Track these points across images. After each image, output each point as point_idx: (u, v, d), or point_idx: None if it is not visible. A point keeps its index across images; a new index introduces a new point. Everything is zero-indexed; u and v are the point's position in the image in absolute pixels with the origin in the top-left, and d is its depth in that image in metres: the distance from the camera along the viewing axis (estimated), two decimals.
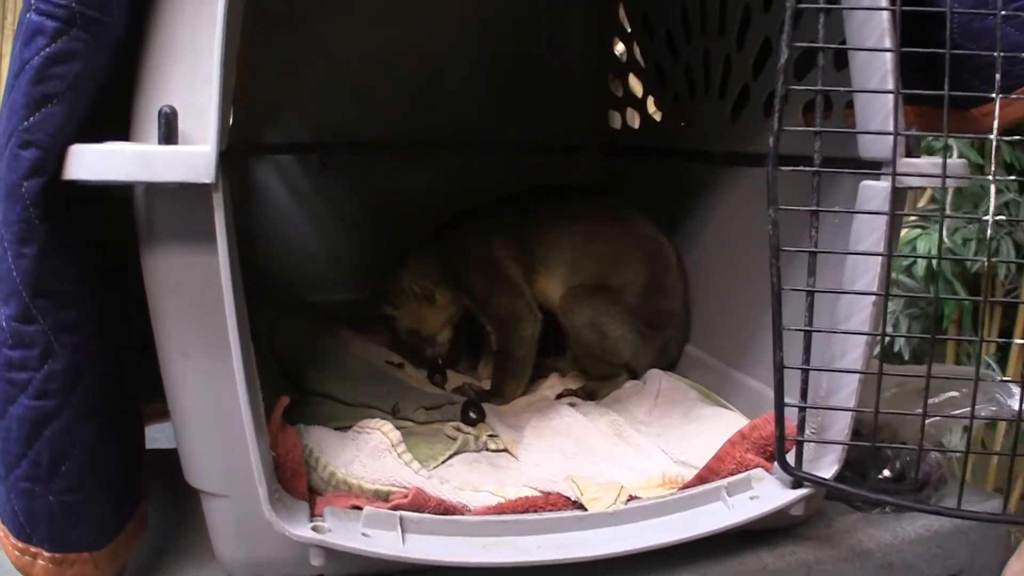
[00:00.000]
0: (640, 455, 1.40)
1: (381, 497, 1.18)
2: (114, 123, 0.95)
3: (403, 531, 1.09)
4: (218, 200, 0.93)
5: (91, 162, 0.89)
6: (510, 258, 1.79)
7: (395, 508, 1.11)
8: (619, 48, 2.22)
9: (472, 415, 1.56)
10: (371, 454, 1.27)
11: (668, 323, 1.79)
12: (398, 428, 1.36)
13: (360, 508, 1.11)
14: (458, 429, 1.51)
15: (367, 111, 2.22)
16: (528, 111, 2.32)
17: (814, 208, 1.08)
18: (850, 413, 1.13)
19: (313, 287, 2.23)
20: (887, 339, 1.14)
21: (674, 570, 1.17)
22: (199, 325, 1.00)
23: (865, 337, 1.11)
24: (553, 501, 1.20)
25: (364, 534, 1.07)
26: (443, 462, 1.38)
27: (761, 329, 1.51)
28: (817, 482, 1.15)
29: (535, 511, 1.18)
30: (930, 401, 1.09)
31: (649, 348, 1.76)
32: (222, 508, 1.10)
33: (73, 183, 0.90)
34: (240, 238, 1.03)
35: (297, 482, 1.13)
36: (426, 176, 2.26)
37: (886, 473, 1.31)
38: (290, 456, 1.13)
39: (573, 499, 1.21)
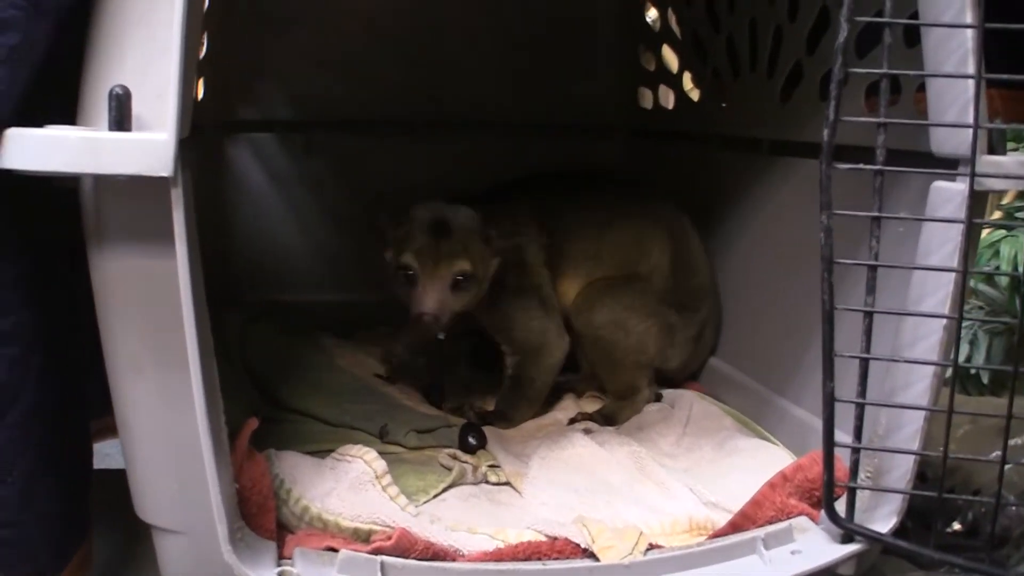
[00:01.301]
0: (664, 494, 1.38)
1: (361, 537, 1.17)
2: (60, 105, 0.93)
3: None
4: (177, 196, 0.92)
5: (31, 149, 0.88)
6: (542, 263, 1.77)
7: (376, 552, 1.09)
8: (651, 15, 2.20)
9: (471, 441, 1.54)
10: (351, 486, 1.25)
11: (701, 302, 1.82)
12: (385, 454, 1.35)
13: (335, 550, 1.10)
14: (454, 457, 1.49)
15: (360, 85, 2.20)
16: (546, 87, 2.30)
17: (875, 214, 1.05)
18: (913, 456, 1.11)
19: (294, 287, 2.22)
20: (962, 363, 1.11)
21: None
22: (154, 338, 0.99)
23: (933, 367, 1.08)
24: (560, 548, 1.18)
25: None
26: (435, 496, 1.36)
27: (811, 349, 1.49)
28: (871, 536, 1.13)
29: (539, 559, 1.16)
30: (1013, 442, 1.06)
31: (681, 337, 1.78)
32: (176, 546, 1.08)
33: (10, 173, 0.89)
34: (210, 228, 1.02)
35: (264, 518, 1.12)
36: (427, 161, 2.25)
37: (956, 526, 1.28)
38: (256, 488, 1.12)
39: (583, 546, 1.18)
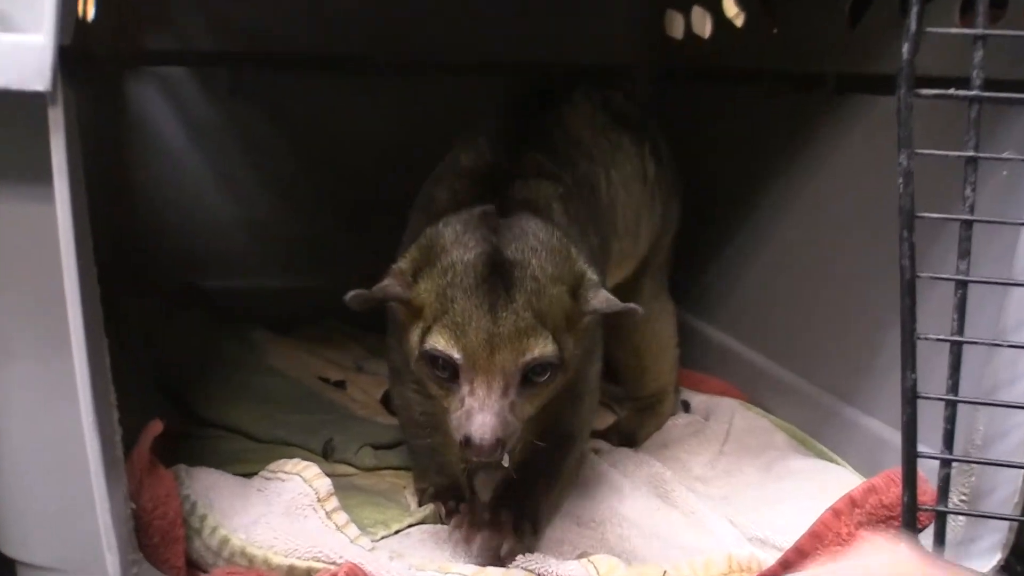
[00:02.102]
0: (695, 527, 1.38)
1: None
2: None
3: None
4: (57, 118, 0.90)
5: None
6: None
7: None
8: None
9: None
10: (286, 512, 1.24)
11: None
12: (332, 478, 1.32)
13: None
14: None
15: (302, 9, 2.17)
16: (546, 16, 2.28)
17: (971, 154, 1.03)
18: (1022, 472, 1.09)
19: (218, 268, 2.20)
20: None
21: None
22: (27, 310, 0.97)
23: None
24: None
25: None
26: (397, 532, 1.35)
27: (888, 340, 1.47)
28: None
29: None
30: None
31: None
32: None
33: None
34: (108, 190, 1.00)
35: (169, 550, 1.11)
36: (392, 108, 2.22)
37: None
38: (160, 511, 1.10)
39: None
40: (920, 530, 1.12)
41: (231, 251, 2.22)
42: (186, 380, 1.71)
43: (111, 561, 0.98)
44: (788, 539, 1.27)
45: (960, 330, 1.06)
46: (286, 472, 1.31)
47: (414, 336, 1.24)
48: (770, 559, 1.26)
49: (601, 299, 1.25)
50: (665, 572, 1.20)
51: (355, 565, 1.12)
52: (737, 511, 1.41)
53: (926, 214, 1.03)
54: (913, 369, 1.06)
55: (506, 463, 1.26)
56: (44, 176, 0.90)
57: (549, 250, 1.26)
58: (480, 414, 1.17)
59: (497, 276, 1.22)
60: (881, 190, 1.31)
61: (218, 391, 1.67)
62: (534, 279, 1.22)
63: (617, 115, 1.70)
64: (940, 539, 1.12)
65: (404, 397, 1.49)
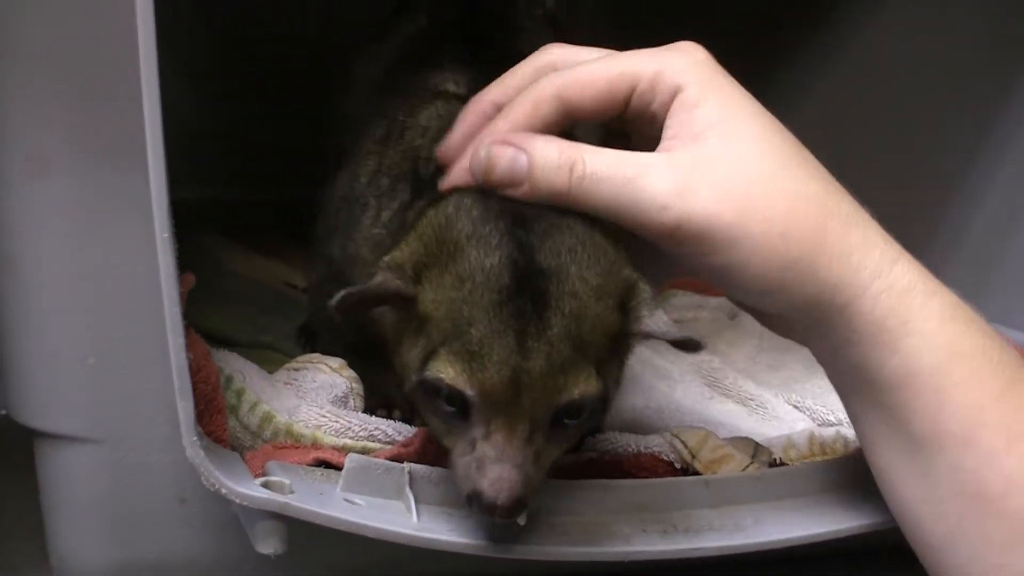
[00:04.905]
0: (757, 415, 1.39)
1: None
2: None
3: (415, 499, 1.02)
4: None
5: None
6: None
7: (395, 459, 1.06)
8: None
9: None
10: (330, 399, 1.22)
11: None
12: None
13: (331, 465, 1.05)
14: None
15: None
16: None
17: None
18: None
19: None
20: None
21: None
22: (71, 94, 0.94)
23: None
24: (646, 464, 1.16)
25: (348, 501, 1.00)
26: None
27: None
28: None
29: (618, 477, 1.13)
30: None
31: None
32: (84, 466, 1.01)
33: None
34: None
35: (213, 421, 1.06)
36: None
37: None
38: (202, 373, 1.06)
39: (679, 466, 1.16)
40: None
41: None
42: None
43: (183, 408, 0.91)
44: None
45: None
46: (327, 367, 1.29)
47: (412, 354, 1.03)
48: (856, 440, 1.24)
49: (658, 321, 1.03)
50: (758, 445, 1.20)
51: (428, 432, 1.10)
52: (799, 397, 1.42)
53: None
54: None
55: (522, 521, 1.03)
56: None
57: (592, 251, 1.01)
58: (497, 466, 0.96)
59: (527, 292, 0.98)
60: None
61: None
62: (574, 296, 0.99)
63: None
64: None
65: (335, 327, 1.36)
